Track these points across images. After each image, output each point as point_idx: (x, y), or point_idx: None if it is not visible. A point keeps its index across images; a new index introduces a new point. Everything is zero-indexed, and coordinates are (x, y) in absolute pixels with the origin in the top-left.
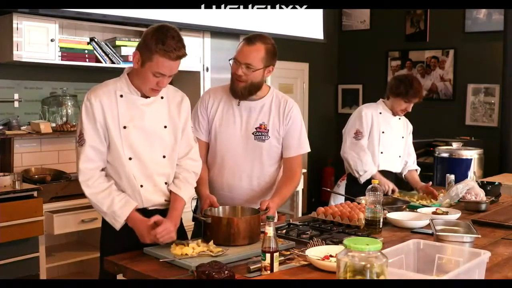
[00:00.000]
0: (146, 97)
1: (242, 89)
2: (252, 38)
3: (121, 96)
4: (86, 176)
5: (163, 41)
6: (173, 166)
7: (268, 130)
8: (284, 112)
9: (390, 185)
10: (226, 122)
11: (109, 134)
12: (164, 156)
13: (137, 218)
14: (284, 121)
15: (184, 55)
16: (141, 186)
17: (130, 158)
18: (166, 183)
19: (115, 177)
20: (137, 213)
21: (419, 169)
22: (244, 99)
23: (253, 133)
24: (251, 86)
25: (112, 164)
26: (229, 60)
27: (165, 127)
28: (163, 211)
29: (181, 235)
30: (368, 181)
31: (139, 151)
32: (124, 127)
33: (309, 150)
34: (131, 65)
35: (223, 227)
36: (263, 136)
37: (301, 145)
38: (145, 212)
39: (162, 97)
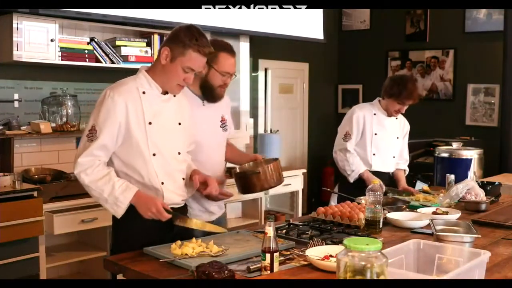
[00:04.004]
0: (164, 93)
1: (224, 93)
2: (232, 49)
3: (144, 92)
4: (84, 167)
5: (196, 38)
6: (185, 162)
7: (226, 120)
8: (227, 103)
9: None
10: (201, 122)
11: (130, 132)
12: (179, 153)
13: (143, 194)
14: (227, 109)
15: (212, 52)
16: (162, 183)
17: (154, 154)
18: (183, 178)
19: (135, 176)
20: (140, 191)
21: (407, 170)
22: (221, 100)
23: (220, 126)
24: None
25: (128, 163)
26: (232, 76)
27: (179, 124)
28: (178, 209)
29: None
30: (359, 180)
31: (162, 147)
32: (150, 123)
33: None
34: (131, 65)
35: (273, 172)
36: (226, 126)
37: (233, 125)
38: None
39: (174, 95)
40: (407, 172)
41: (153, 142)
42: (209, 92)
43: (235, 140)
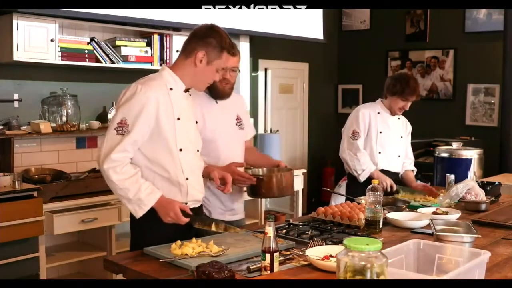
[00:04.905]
0: (185, 91)
1: (228, 90)
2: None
3: (171, 89)
4: (115, 164)
5: (228, 40)
6: (202, 160)
7: (242, 119)
8: (242, 103)
9: (388, 181)
10: (218, 121)
11: (160, 128)
12: (198, 150)
13: (164, 199)
14: (242, 110)
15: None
16: (187, 179)
17: (180, 150)
18: (202, 176)
19: (160, 171)
20: (164, 196)
21: (415, 170)
22: (228, 97)
23: (236, 124)
24: (233, 85)
25: (154, 158)
26: (232, 71)
27: (196, 122)
28: (196, 209)
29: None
30: (368, 180)
31: (186, 143)
32: (178, 119)
33: (255, 132)
34: (131, 65)
35: (277, 182)
36: (242, 125)
37: (253, 128)
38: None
39: (190, 94)
40: (415, 172)
41: (180, 137)
42: (213, 89)
43: None
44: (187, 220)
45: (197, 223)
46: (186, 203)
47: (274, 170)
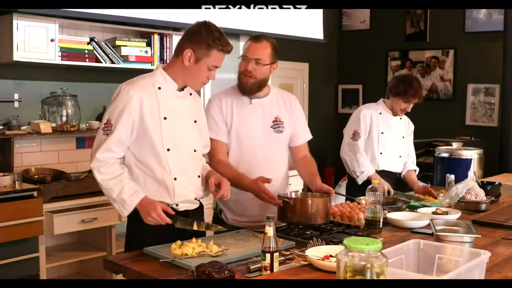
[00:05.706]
0: (180, 90)
1: (252, 85)
2: (258, 36)
3: (159, 88)
4: (100, 163)
5: (218, 37)
6: (201, 160)
7: (283, 121)
8: (291, 105)
9: (385, 186)
10: (246, 121)
11: (145, 127)
12: (195, 150)
13: (147, 200)
14: (291, 112)
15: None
16: (175, 179)
17: (168, 149)
18: (199, 176)
19: (147, 170)
20: (147, 197)
21: (417, 169)
22: (253, 94)
23: (271, 127)
24: (260, 81)
25: (141, 158)
26: (238, 57)
27: (195, 121)
28: (193, 211)
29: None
30: (367, 181)
31: (177, 142)
32: (165, 118)
33: (311, 137)
34: (131, 65)
35: (306, 207)
36: (280, 128)
37: (308, 132)
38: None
39: (190, 94)
40: (417, 172)
41: (168, 137)
42: (239, 83)
43: None
44: (169, 220)
45: (178, 223)
46: (177, 204)
47: (309, 195)
